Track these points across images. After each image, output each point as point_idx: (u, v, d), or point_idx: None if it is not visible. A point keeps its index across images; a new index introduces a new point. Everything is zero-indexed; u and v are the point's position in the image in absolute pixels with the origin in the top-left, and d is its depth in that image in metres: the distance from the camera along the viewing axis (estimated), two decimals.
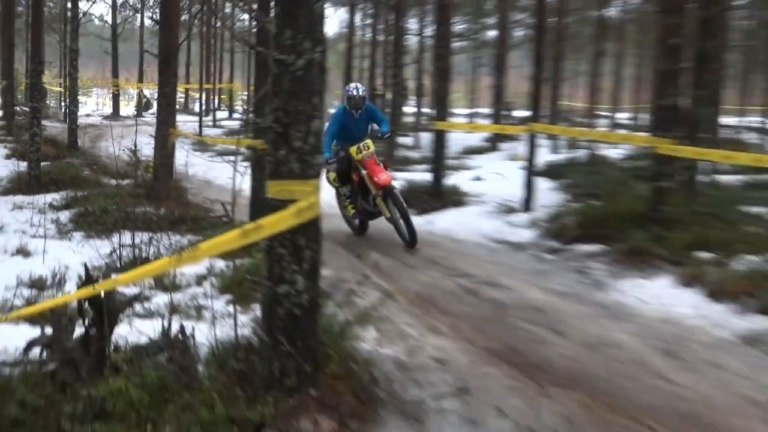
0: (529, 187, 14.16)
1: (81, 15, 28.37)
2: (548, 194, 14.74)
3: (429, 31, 26.93)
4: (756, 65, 39.15)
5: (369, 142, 11.32)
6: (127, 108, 45.10)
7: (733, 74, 41.07)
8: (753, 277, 8.65)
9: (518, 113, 31.22)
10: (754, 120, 35.40)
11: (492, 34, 34.33)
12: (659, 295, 8.83)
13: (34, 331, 5.76)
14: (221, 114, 44.52)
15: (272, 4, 6.97)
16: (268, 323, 4.87)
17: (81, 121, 24.91)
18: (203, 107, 41.97)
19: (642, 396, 5.91)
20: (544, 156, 19.93)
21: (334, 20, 58.29)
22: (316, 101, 4.70)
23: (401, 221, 10.65)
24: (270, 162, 4.81)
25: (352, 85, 11.80)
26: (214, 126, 37.15)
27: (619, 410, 5.54)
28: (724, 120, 28.07)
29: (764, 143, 25.68)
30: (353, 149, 11.14)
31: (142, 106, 44.37)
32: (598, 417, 5.32)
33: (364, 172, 11.04)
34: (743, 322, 7.84)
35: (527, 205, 13.92)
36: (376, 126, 12.05)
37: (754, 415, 5.65)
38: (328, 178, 11.93)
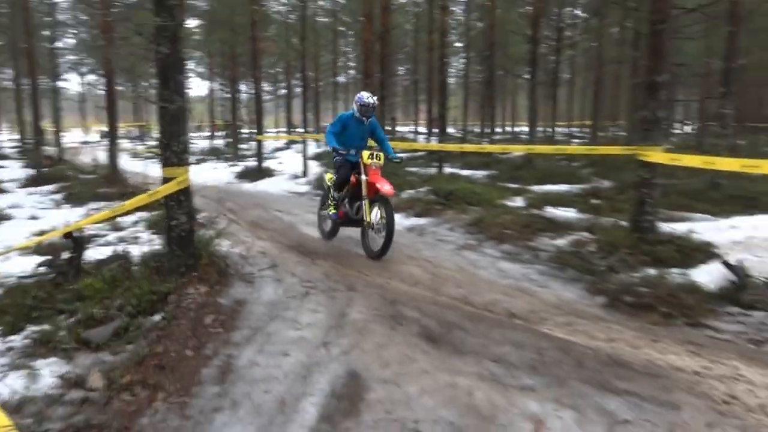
0: (305, 165, 14.11)
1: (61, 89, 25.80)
2: (316, 168, 14.69)
3: (252, 90, 25.89)
4: (410, 102, 40.65)
5: (382, 154, 6.54)
6: (95, 137, 41.05)
7: (402, 106, 42.64)
8: (411, 200, 9.01)
9: (300, 129, 30.72)
10: (413, 129, 36.78)
11: (283, 91, 33.44)
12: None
13: (41, 258, 5.39)
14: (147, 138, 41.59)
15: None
16: (168, 241, 4.66)
17: (65, 145, 22.70)
18: (137, 135, 39.41)
19: (357, 262, 6.02)
20: (313, 149, 19.88)
21: (203, 86, 55.04)
22: (182, 127, 4.67)
23: (381, 232, 6.11)
24: (162, 158, 4.63)
25: (365, 93, 6.75)
26: (143, 144, 34.53)
27: (349, 268, 5.64)
28: (399, 128, 28.96)
29: (416, 138, 26.67)
30: (366, 153, 6.44)
31: (103, 135, 40.87)
32: (340, 272, 5.39)
33: (364, 177, 6.38)
34: (407, 221, 8.16)
35: (304, 173, 13.86)
36: (388, 154, 6.73)
37: (409, 257, 5.93)
38: (324, 179, 7.48)
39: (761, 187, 9.61)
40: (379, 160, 6.45)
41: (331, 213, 6.90)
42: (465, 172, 12.94)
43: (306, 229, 7.74)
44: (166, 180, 4.60)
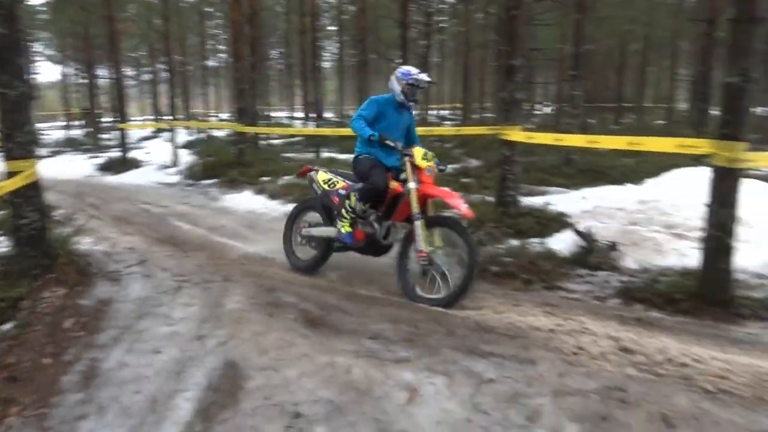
0: (175, 154, 13.48)
1: None
2: (186, 157, 14.05)
3: (112, 75, 24.04)
4: (285, 87, 39.82)
5: (432, 154, 4.43)
6: None
7: (276, 92, 41.65)
8: (288, 186, 8.93)
9: (168, 116, 29.19)
10: (289, 114, 36.10)
11: (148, 75, 31.42)
12: (245, 200, 8.82)
13: None
14: None
15: None
16: (17, 242, 4.27)
17: None
18: None
19: (233, 251, 5.91)
20: (184, 137, 19.01)
21: (55, 70, 50.18)
22: (26, 115, 4.30)
23: (445, 269, 4.16)
24: (5, 151, 4.22)
25: (413, 68, 4.57)
26: None
27: (225, 259, 5.50)
28: (274, 114, 28.35)
29: (292, 123, 26.29)
30: (419, 151, 4.34)
31: None
32: (213, 263, 5.22)
33: (413, 185, 4.25)
34: (283, 208, 8.08)
35: (174, 163, 13.21)
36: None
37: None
38: (313, 178, 5.10)
39: (607, 161, 10.70)
40: (433, 162, 4.45)
41: (343, 233, 4.69)
42: (343, 156, 13.03)
43: (178, 221, 7.42)
44: (10, 174, 4.20)
